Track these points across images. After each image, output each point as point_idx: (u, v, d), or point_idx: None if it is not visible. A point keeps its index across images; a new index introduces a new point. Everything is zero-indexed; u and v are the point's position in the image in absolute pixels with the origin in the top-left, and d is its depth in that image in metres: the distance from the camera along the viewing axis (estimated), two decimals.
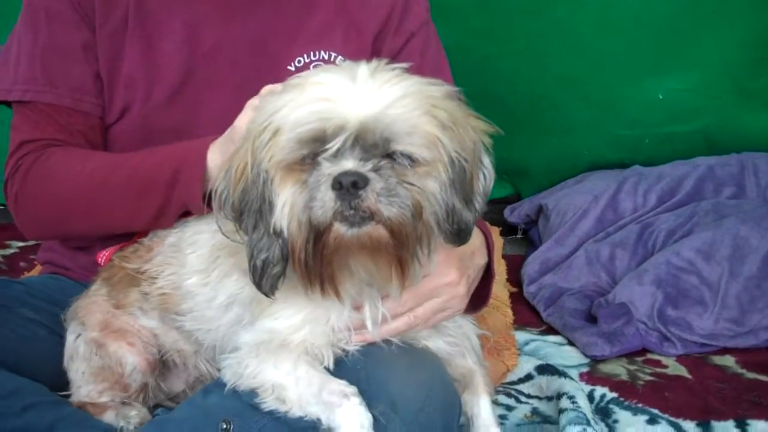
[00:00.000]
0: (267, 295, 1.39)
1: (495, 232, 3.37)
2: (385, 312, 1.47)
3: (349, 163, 1.25)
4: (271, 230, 1.34)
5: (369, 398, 1.41)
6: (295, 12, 1.96)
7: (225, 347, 1.60)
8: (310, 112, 1.29)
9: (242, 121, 1.58)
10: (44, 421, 1.60)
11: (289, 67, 1.88)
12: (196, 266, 1.67)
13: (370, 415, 1.39)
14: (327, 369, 1.46)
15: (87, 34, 1.89)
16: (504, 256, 3.21)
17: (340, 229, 1.26)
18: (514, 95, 3.33)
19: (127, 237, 1.81)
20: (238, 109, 1.64)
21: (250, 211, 1.39)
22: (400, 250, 1.31)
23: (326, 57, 1.95)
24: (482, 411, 1.62)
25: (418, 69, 1.53)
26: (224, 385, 1.49)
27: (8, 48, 1.94)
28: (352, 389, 1.41)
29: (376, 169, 1.26)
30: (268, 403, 1.43)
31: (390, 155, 1.30)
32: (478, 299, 1.67)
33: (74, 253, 2.00)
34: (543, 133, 3.43)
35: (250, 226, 1.39)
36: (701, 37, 3.19)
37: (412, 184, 1.29)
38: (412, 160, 1.30)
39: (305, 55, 1.93)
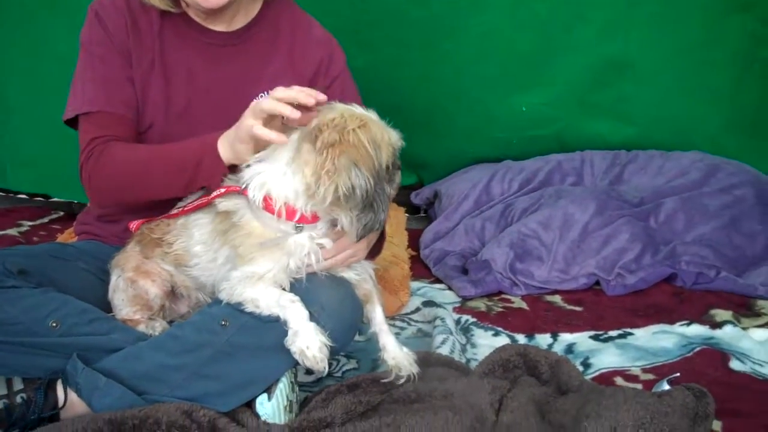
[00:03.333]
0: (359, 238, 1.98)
1: (400, 211, 3.85)
2: (320, 256, 2.04)
3: None
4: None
5: (307, 303, 1.98)
6: (258, 62, 2.41)
7: (219, 282, 2.09)
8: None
9: (246, 122, 1.98)
10: (104, 328, 2.10)
11: (254, 100, 2.12)
12: (199, 239, 2.17)
13: (307, 312, 1.96)
14: (284, 289, 2.01)
15: (128, 70, 2.33)
16: (407, 229, 3.69)
17: None
18: (414, 107, 3.72)
19: (153, 213, 2.24)
20: (222, 125, 2.09)
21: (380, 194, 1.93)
22: None
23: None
24: (377, 314, 2.16)
25: (341, 100, 2.05)
26: (221, 301, 2.03)
27: (74, 85, 2.35)
28: (296, 298, 1.98)
29: None
30: (249, 308, 1.99)
31: None
32: (374, 251, 2.27)
33: (106, 225, 2.47)
34: (438, 135, 3.82)
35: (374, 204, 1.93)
36: (554, 63, 3.67)
37: None
38: None
39: (265, 92, 2.29)
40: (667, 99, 3.72)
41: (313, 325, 2.00)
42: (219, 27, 2.45)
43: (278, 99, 1.99)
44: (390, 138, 2.01)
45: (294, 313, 1.99)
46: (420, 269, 3.37)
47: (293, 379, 2.15)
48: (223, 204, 2.13)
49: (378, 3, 3.64)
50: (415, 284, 3.21)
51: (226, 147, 2.11)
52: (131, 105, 2.37)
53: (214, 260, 2.18)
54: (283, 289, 2.05)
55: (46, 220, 3.86)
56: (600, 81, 3.72)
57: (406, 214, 3.92)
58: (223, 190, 2.13)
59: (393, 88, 3.69)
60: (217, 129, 2.13)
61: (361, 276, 2.20)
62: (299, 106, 1.98)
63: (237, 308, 2.05)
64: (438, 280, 3.26)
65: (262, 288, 2.04)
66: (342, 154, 1.93)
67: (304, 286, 2.05)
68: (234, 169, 2.15)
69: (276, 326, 2.01)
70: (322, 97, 1.99)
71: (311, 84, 2.42)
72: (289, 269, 2.05)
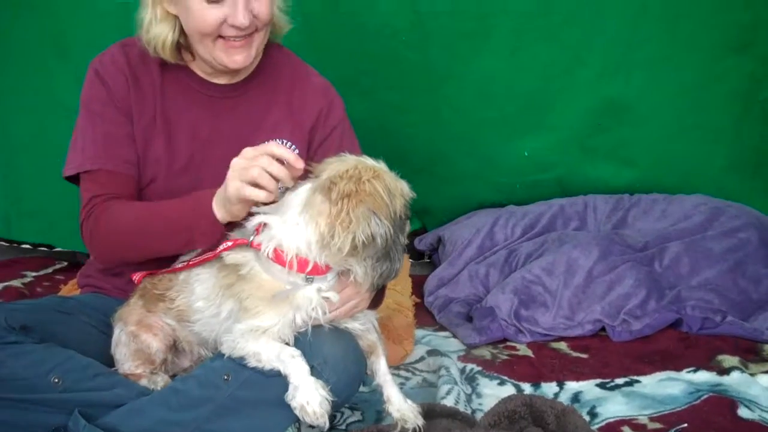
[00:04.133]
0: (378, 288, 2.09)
1: (404, 257, 3.51)
2: (326, 309, 2.05)
3: None
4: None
5: (310, 357, 1.99)
6: (259, 113, 2.43)
7: (222, 335, 2.09)
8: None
9: (231, 186, 2.01)
10: (107, 384, 2.11)
11: None
12: (201, 295, 2.17)
13: (308, 367, 1.97)
14: (287, 343, 2.02)
15: (129, 128, 2.34)
16: (411, 275, 3.70)
17: None
18: (415, 152, 3.71)
19: (158, 264, 2.24)
20: (224, 178, 2.08)
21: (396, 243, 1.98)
22: None
23: (280, 143, 2.35)
24: (381, 366, 2.16)
25: (339, 149, 2.16)
26: (223, 354, 2.04)
27: (74, 141, 2.37)
28: (298, 352, 1.98)
29: None
30: (251, 363, 2.00)
31: None
32: (376, 300, 2.27)
33: (109, 278, 2.47)
34: (440, 180, 3.80)
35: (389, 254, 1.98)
36: (554, 107, 3.67)
37: None
38: None
39: (266, 141, 2.28)
40: (667, 141, 3.72)
41: (313, 380, 2.00)
42: (221, 80, 2.48)
43: (272, 155, 2.04)
44: (402, 188, 2.04)
45: (295, 367, 2.00)
46: (424, 317, 3.36)
47: None
48: (231, 257, 2.13)
49: (376, 49, 3.64)
50: (419, 332, 3.19)
51: (220, 207, 2.13)
52: (132, 162, 2.38)
53: (217, 315, 2.17)
54: (287, 344, 2.07)
55: (50, 270, 3.86)
56: (600, 124, 3.73)
57: (410, 260, 3.93)
58: (230, 243, 2.13)
59: (394, 134, 3.70)
60: (219, 181, 2.13)
61: (365, 327, 2.21)
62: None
63: (239, 363, 2.06)
64: (443, 328, 3.24)
65: (264, 342, 2.05)
66: (360, 204, 1.95)
67: (308, 339, 2.07)
68: (233, 224, 2.17)
69: (278, 381, 2.03)
70: (301, 165, 2.06)
71: (311, 134, 2.50)
72: (295, 324, 2.07)
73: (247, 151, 2.06)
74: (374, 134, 3.26)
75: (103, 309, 2.38)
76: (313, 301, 2.06)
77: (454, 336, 3.15)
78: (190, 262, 2.23)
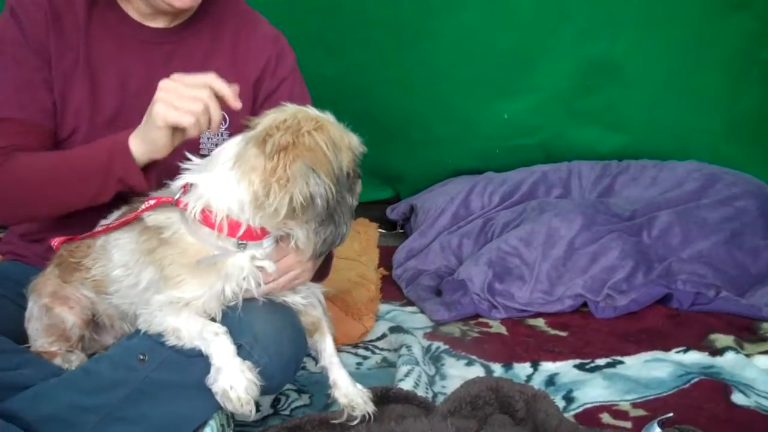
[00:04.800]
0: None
1: (372, 227, 3.73)
2: (261, 280, 1.86)
3: None
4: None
5: (238, 334, 1.80)
6: (198, 64, 2.22)
7: (138, 310, 1.90)
8: None
9: (158, 107, 1.86)
10: (12, 363, 1.92)
11: None
12: (119, 262, 1.97)
13: (233, 346, 1.78)
14: (214, 319, 1.82)
15: (46, 72, 2.16)
16: (381, 246, 3.57)
17: None
18: (388, 115, 3.62)
19: (73, 230, 2.06)
20: None
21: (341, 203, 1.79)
22: None
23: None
24: (327, 346, 1.99)
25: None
26: (140, 331, 1.85)
27: None
28: (223, 329, 1.80)
29: None
30: (170, 341, 1.81)
31: None
32: (322, 272, 2.12)
33: (29, 245, 2.30)
34: (414, 145, 3.73)
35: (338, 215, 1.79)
36: (537, 67, 3.56)
37: None
38: None
39: None
40: (659, 104, 3.63)
41: (239, 361, 1.79)
42: (158, 24, 2.28)
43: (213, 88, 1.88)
44: (350, 142, 1.86)
45: (218, 347, 1.80)
46: (392, 291, 3.24)
47: (225, 422, 1.95)
48: (152, 218, 1.91)
49: (344, 5, 3.52)
50: (384, 307, 3.07)
51: (138, 141, 1.96)
52: (48, 111, 2.19)
53: (135, 285, 1.95)
54: (213, 319, 1.87)
55: None
56: (587, 86, 3.62)
57: (381, 230, 3.82)
58: (152, 202, 1.92)
59: (364, 95, 3.61)
60: None
61: (307, 300, 2.01)
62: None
63: (157, 341, 1.86)
64: (410, 303, 3.12)
65: (185, 317, 1.84)
66: (297, 158, 1.76)
67: (238, 314, 1.87)
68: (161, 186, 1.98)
69: (201, 361, 1.82)
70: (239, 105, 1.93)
71: (256, 86, 2.34)
72: (224, 296, 1.86)
73: (184, 77, 1.90)
74: (343, 95, 3.18)
75: (22, 280, 2.18)
76: (244, 269, 1.86)
77: (422, 311, 3.03)
78: (110, 225, 2.02)
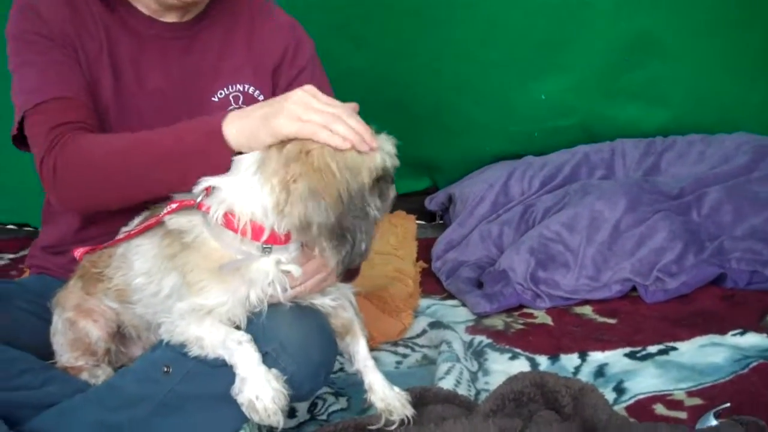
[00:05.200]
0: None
1: (410, 219, 3.66)
2: (287, 285, 1.81)
3: None
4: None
5: (264, 341, 1.74)
6: (216, 56, 2.22)
7: (160, 319, 1.84)
8: None
9: (286, 122, 1.75)
10: (37, 380, 1.89)
11: (213, 98, 2.17)
12: (140, 269, 1.91)
13: (258, 354, 1.71)
14: (238, 327, 1.76)
15: (74, 58, 2.09)
16: (420, 239, 3.50)
17: None
18: (420, 104, 3.54)
19: (95, 240, 2.02)
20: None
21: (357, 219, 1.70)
22: None
23: (241, 89, 2.21)
24: (360, 348, 1.92)
25: None
26: (164, 342, 1.80)
27: (14, 88, 2.09)
28: (246, 337, 1.73)
29: None
30: (193, 351, 1.76)
31: None
32: (352, 272, 2.02)
33: (52, 257, 2.26)
34: (449, 133, 3.64)
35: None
36: (572, 46, 3.46)
37: None
38: None
39: (225, 88, 2.19)
40: (703, 76, 3.52)
41: (264, 369, 1.72)
42: (170, 19, 2.22)
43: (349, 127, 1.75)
44: (371, 165, 1.75)
45: (242, 356, 1.74)
46: (432, 284, 3.16)
47: (257, 431, 1.88)
48: (174, 221, 1.85)
49: None
50: (424, 302, 2.99)
51: (234, 130, 1.83)
52: (88, 91, 2.09)
53: (158, 293, 1.89)
54: (237, 327, 1.80)
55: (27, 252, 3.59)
56: (626, 61, 3.51)
57: (419, 222, 3.76)
58: (174, 206, 1.85)
59: (394, 84, 3.52)
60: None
61: (337, 302, 1.94)
62: None
63: (181, 351, 1.80)
64: (451, 296, 3.04)
65: (208, 325, 1.78)
66: (301, 178, 1.70)
67: (261, 321, 1.80)
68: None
69: (227, 371, 1.76)
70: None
71: (274, 76, 2.29)
72: (249, 302, 1.80)
73: (322, 97, 1.80)
74: (373, 86, 3.18)
75: (45, 293, 2.13)
76: (270, 274, 1.79)
77: (463, 304, 2.95)
78: (132, 232, 1.96)
